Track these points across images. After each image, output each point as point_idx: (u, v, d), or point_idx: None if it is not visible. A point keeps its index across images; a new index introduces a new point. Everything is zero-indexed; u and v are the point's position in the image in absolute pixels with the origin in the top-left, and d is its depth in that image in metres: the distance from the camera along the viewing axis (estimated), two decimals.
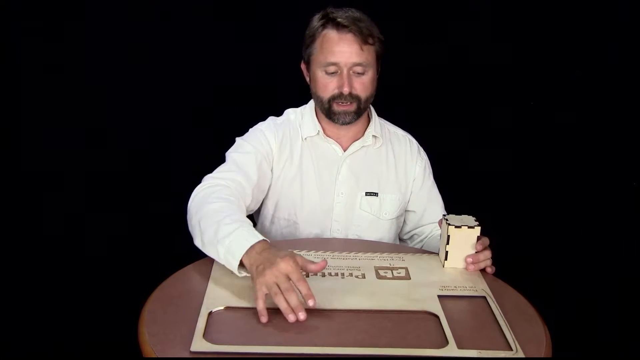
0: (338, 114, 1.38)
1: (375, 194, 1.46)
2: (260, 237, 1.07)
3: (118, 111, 1.96)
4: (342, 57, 1.33)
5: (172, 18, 1.92)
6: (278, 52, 1.79)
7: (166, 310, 1.00)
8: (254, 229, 1.11)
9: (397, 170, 1.50)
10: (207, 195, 1.22)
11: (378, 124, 1.50)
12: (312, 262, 1.04)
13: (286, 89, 1.58)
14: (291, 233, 1.47)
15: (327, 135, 1.45)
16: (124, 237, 2.02)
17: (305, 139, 1.45)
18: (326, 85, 1.36)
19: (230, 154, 1.40)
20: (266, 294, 0.98)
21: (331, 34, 1.33)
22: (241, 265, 1.06)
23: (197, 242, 1.17)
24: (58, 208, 1.96)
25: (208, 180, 1.30)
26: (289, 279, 0.98)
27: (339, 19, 1.32)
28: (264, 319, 0.96)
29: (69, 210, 1.97)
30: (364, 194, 1.46)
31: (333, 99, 1.37)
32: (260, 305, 0.97)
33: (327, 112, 1.39)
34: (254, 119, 1.52)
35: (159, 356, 0.88)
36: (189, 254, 1.21)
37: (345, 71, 1.34)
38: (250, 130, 1.47)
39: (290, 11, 1.46)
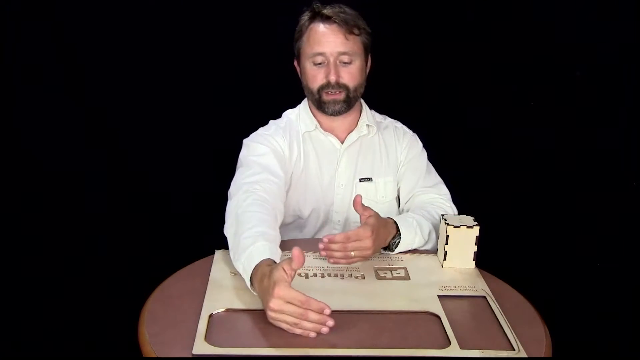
0: (327, 103, 1.41)
1: (369, 179, 1.49)
2: (264, 256, 1.03)
3: (118, 111, 1.95)
4: (327, 46, 1.37)
5: (172, 18, 1.92)
6: (278, 52, 1.79)
7: (166, 310, 1.00)
8: (266, 241, 1.07)
9: (389, 155, 1.52)
10: (239, 202, 1.20)
11: (370, 114, 1.53)
12: (293, 260, 0.95)
13: (286, 89, 1.58)
14: (297, 228, 1.50)
15: (324, 129, 1.48)
16: (124, 237, 2.01)
17: (303, 134, 1.47)
18: (315, 77, 1.40)
19: (248, 157, 1.38)
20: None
21: (317, 26, 1.38)
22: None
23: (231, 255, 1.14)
24: (58, 208, 1.96)
25: (238, 184, 1.28)
26: (290, 302, 0.93)
27: (324, 11, 1.38)
28: None
29: (68, 210, 1.97)
30: (358, 180, 1.48)
31: (322, 88, 1.40)
32: None
33: (317, 102, 1.43)
34: (253, 119, 1.51)
35: (159, 356, 0.88)
36: (189, 254, 1.21)
37: (332, 60, 1.37)
38: (255, 135, 1.47)
39: (291, 11, 1.47)
